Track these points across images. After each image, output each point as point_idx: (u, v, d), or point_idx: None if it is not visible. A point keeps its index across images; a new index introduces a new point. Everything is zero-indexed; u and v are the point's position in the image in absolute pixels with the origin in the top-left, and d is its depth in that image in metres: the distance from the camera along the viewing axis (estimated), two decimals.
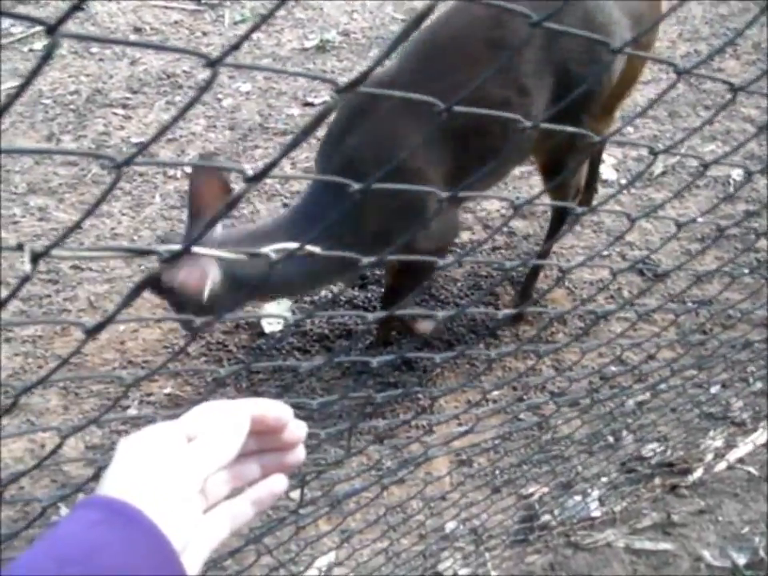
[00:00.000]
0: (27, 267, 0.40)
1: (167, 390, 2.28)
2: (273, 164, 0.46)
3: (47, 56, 0.34)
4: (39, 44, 3.57)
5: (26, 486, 2.04)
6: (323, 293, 2.47)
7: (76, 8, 0.34)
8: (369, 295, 2.47)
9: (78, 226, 0.45)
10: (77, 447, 2.16)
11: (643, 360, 1.96)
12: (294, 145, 0.46)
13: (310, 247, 0.53)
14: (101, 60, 3.50)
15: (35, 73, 0.33)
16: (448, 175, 1.84)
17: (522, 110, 1.79)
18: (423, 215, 1.77)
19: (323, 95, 3.27)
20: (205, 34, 3.64)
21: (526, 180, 2.90)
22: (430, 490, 1.85)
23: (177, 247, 0.48)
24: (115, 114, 3.21)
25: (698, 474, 2.03)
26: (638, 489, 2.00)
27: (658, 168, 2.95)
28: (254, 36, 3.62)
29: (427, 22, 1.96)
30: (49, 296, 2.53)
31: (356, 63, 3.46)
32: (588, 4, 1.87)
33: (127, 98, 3.28)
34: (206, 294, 1.72)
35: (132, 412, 2.21)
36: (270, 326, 2.41)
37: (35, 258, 0.42)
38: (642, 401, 1.93)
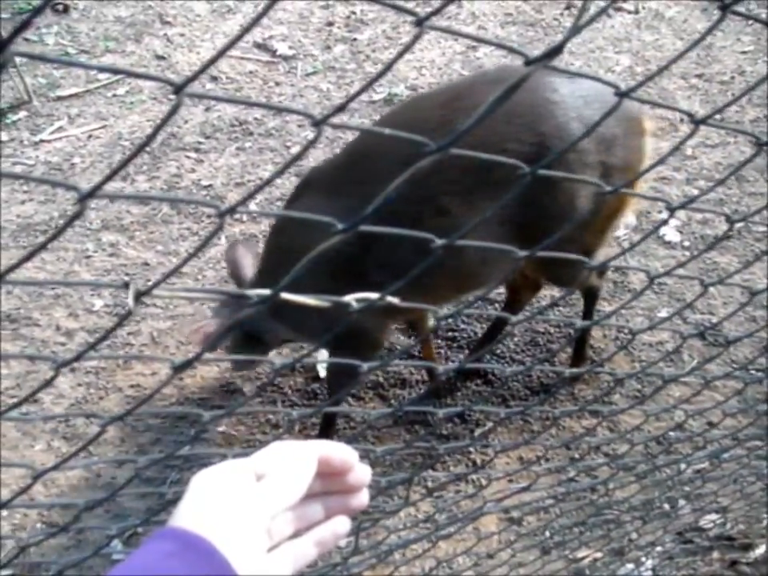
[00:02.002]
0: (131, 303, 0.43)
1: (221, 429, 2.31)
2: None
3: (173, 111, 0.37)
4: (122, 89, 3.76)
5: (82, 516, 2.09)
6: None
7: (202, 71, 0.37)
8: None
9: (178, 269, 0.48)
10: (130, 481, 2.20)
11: (704, 427, 1.91)
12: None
13: (390, 298, 0.55)
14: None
15: (165, 122, 0.36)
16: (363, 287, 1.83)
17: (437, 229, 1.73)
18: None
19: None
20: (278, 84, 3.78)
21: None
22: (478, 546, 1.82)
23: (266, 292, 0.51)
24: (188, 157, 3.34)
25: (760, 550, 1.95)
26: (695, 561, 1.93)
27: (723, 231, 2.91)
28: (324, 87, 3.74)
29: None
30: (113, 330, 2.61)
31: None
32: (543, 125, 1.80)
33: (200, 143, 3.41)
34: (214, 348, 1.88)
35: (186, 448, 2.24)
36: (325, 370, 2.43)
37: (138, 295, 0.45)
38: (702, 469, 1.87)
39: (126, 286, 0.43)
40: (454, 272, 1.83)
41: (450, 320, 2.46)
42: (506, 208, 1.75)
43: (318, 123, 0.43)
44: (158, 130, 0.40)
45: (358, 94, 0.46)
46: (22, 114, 3.63)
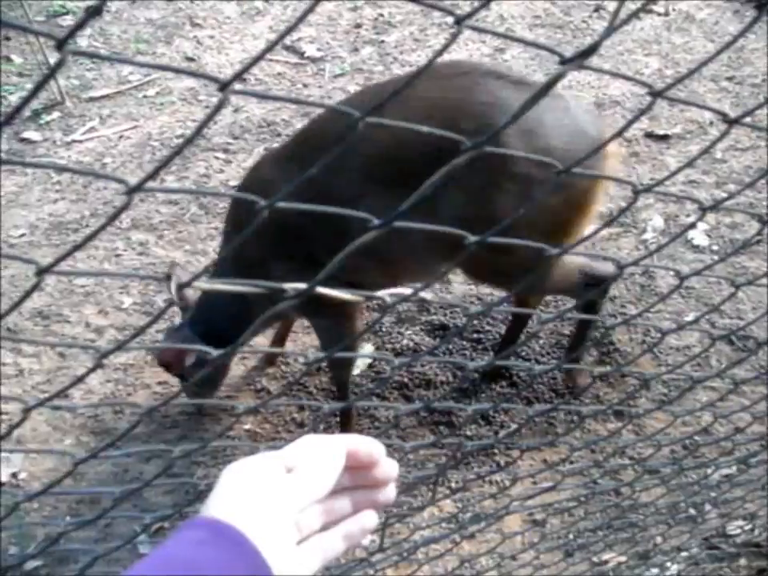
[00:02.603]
0: (174, 293, 0.45)
1: (247, 426, 2.33)
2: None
3: (218, 107, 0.38)
4: (152, 91, 3.81)
5: (109, 508, 2.12)
6: (405, 342, 2.49)
7: (246, 69, 0.39)
8: (450, 347, 2.48)
9: (215, 263, 0.49)
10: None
11: (731, 432, 1.89)
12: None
13: (423, 294, 0.56)
14: (206, 107, 3.70)
15: (210, 117, 0.37)
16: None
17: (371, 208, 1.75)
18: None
19: None
20: (305, 85, 3.81)
21: (614, 241, 2.88)
22: (501, 547, 1.82)
23: (302, 286, 0.52)
24: (216, 157, 3.38)
25: None
26: (722, 568, 1.91)
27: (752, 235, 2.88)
28: (351, 89, 3.76)
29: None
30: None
31: None
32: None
33: (228, 143, 3.44)
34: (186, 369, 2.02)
35: (213, 444, 2.26)
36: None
37: (180, 287, 0.46)
38: (729, 474, 1.86)
39: (169, 278, 0.45)
40: (384, 259, 1.80)
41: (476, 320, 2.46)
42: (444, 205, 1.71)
43: (359, 120, 0.44)
44: (202, 126, 0.41)
45: (396, 94, 0.47)
46: (55, 114, 3.69)
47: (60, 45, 0.33)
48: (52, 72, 0.33)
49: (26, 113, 3.66)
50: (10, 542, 2.07)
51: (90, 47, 4.13)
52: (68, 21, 4.35)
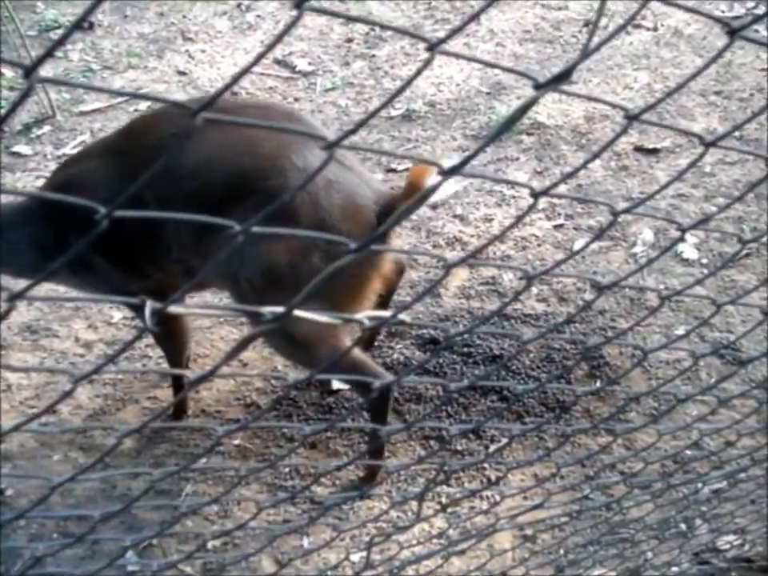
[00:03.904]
0: (148, 321, 0.45)
1: (236, 441, 2.32)
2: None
3: (187, 135, 0.38)
4: (143, 105, 3.81)
5: (96, 526, 2.10)
6: (395, 356, 2.49)
7: (219, 95, 0.39)
8: (441, 361, 2.48)
9: (191, 287, 0.49)
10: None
11: (721, 446, 1.89)
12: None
13: (401, 316, 0.56)
14: None
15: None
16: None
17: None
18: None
19: (407, 163, 3.36)
20: (297, 99, 3.82)
21: (604, 255, 2.88)
22: (491, 563, 1.81)
23: (280, 309, 0.52)
24: None
25: None
26: None
27: (742, 250, 2.89)
28: (343, 103, 3.77)
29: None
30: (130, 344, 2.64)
31: (440, 132, 3.56)
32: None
33: None
34: None
35: (203, 461, 2.25)
36: (339, 383, 2.44)
37: (154, 312, 0.46)
38: (719, 489, 1.85)
39: (143, 303, 0.45)
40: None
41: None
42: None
43: (331, 146, 0.44)
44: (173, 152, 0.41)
45: (370, 117, 0.47)
46: (46, 128, 3.69)
47: (28, 73, 0.33)
48: (21, 100, 0.33)
49: (17, 127, 3.66)
50: None
51: (82, 61, 4.14)
52: (59, 35, 4.35)
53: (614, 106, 0.54)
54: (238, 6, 4.58)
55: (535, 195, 0.55)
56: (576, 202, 3.19)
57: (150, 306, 0.45)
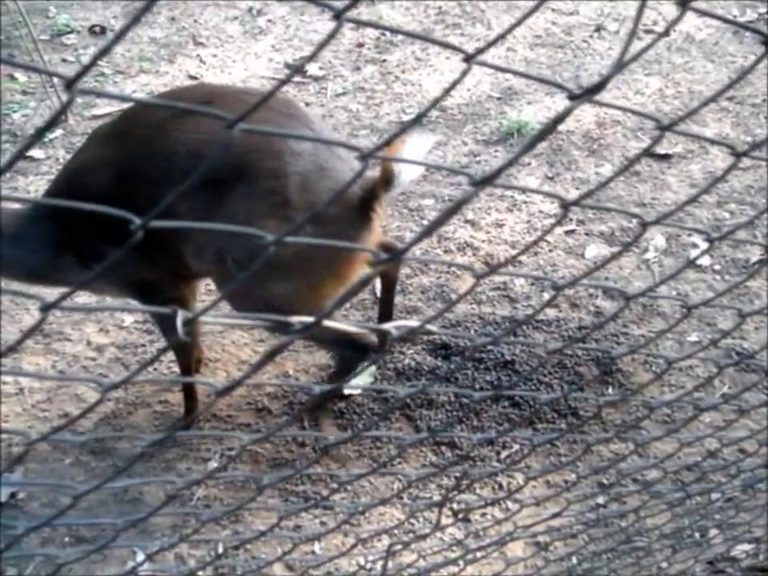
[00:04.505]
0: (180, 330, 0.44)
1: (248, 447, 2.31)
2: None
3: None
4: None
5: (107, 530, 2.10)
6: (406, 361, 2.48)
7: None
8: (452, 366, 2.48)
9: (222, 299, 0.49)
10: (156, 496, 2.21)
11: (737, 455, 1.88)
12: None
13: (429, 326, 0.55)
14: None
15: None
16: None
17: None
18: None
19: None
20: (308, 104, 3.82)
21: (616, 261, 2.87)
22: (506, 572, 1.80)
23: (309, 320, 0.51)
24: None
25: None
26: None
27: (754, 256, 2.88)
28: (354, 108, 3.78)
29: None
30: (143, 345, 2.65)
31: (451, 137, 3.55)
32: None
33: None
34: None
35: (213, 464, 2.25)
36: (350, 389, 2.44)
37: (186, 322, 0.46)
38: (734, 498, 1.84)
39: (175, 313, 0.45)
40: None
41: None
42: None
43: (365, 157, 0.44)
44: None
45: (400, 132, 0.46)
46: (59, 132, 3.71)
47: (69, 84, 0.33)
48: (63, 110, 0.33)
49: (30, 131, 3.68)
50: (8, 563, 2.05)
51: (94, 66, 4.15)
52: (72, 39, 4.37)
53: (645, 116, 0.53)
54: (249, 10, 4.60)
55: (565, 206, 0.55)
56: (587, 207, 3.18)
57: (181, 316, 0.45)
